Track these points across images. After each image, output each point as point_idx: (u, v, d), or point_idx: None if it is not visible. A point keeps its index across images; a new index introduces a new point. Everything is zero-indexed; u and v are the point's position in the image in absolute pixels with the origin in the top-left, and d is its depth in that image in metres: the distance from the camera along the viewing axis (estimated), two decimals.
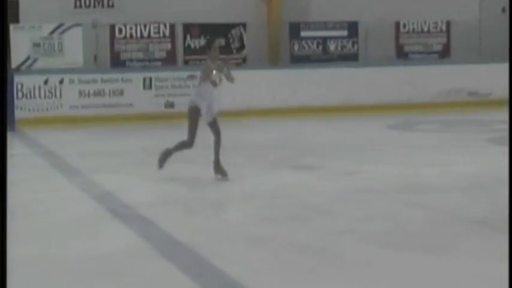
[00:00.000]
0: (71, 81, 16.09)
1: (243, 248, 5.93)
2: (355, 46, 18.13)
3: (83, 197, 8.24)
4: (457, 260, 5.51)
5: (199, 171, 9.41)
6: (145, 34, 16.98)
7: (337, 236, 6.21)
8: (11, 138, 14.72)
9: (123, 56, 16.90)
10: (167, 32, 17.11)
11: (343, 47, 18.07)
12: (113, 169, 9.51)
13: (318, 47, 17.94)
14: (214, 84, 8.73)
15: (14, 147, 13.53)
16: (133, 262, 5.57)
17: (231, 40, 17.41)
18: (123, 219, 7.04)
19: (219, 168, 8.96)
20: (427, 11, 18.62)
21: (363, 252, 5.73)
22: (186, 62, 17.22)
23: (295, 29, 17.85)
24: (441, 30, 18.55)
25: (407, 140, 12.78)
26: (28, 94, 15.90)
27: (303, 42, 17.87)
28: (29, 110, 15.86)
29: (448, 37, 18.60)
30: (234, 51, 17.45)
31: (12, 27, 16.25)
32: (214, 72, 8.71)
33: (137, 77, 16.48)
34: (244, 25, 17.56)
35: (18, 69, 16.26)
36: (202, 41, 16.94)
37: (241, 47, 17.54)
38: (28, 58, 16.38)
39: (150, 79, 16.58)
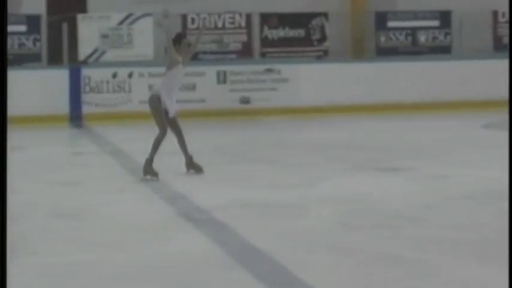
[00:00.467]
0: (141, 75, 16.35)
1: (323, 256, 5.94)
2: (448, 37, 17.94)
3: (153, 198, 8.38)
4: None
5: (277, 173, 9.45)
6: (220, 24, 17.11)
7: (426, 246, 6.16)
8: (78, 135, 15.10)
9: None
10: (243, 23, 17.21)
11: (435, 39, 17.90)
12: (184, 169, 9.62)
13: (406, 38, 17.81)
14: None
15: (81, 145, 13.84)
16: (206, 270, 5.63)
17: (311, 31, 17.41)
18: (196, 223, 7.13)
19: (192, 165, 9.47)
20: None
21: (456, 265, 5.67)
22: (263, 55, 17.30)
23: (381, 19, 17.76)
24: None
25: (505, 141, 12.54)
26: (96, 88, 16.22)
27: (390, 33, 17.76)
28: (96, 105, 16.19)
29: None
30: (315, 43, 17.46)
31: (79, 18, 16.61)
32: (180, 59, 9.24)
33: (210, 71, 16.64)
34: (326, 15, 17.54)
35: (85, 61, 16.60)
36: (281, 32, 17.01)
37: (323, 38, 17.52)
38: (96, 50, 16.70)
39: (225, 73, 16.71)
